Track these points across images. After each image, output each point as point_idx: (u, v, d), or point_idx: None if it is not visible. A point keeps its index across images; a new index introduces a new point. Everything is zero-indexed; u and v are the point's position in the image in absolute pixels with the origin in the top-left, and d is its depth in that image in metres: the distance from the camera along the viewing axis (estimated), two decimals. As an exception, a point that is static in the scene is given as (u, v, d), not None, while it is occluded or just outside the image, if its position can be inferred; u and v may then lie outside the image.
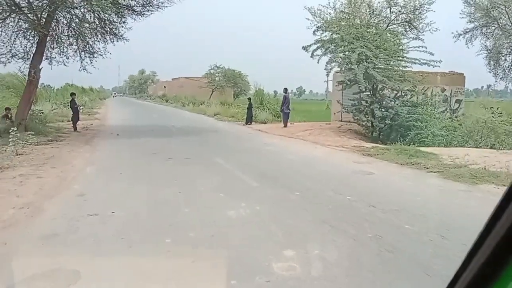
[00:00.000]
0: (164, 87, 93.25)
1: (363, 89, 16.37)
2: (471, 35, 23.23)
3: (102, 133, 16.39)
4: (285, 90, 19.59)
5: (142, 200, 6.06)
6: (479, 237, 0.73)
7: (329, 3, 18.00)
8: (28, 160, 9.30)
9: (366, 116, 16.53)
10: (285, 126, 19.23)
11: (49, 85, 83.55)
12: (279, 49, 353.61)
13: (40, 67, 14.27)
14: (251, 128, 20.72)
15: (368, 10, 19.16)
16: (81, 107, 16.87)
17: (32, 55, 14.31)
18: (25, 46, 14.39)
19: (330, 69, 16.97)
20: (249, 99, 23.91)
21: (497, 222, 0.68)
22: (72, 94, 16.73)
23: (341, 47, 15.79)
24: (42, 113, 17.57)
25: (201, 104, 45.78)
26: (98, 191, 6.59)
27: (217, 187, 6.93)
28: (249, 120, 22.88)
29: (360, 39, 16.21)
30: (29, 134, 13.00)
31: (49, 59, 15.33)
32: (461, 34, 23.18)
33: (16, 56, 14.09)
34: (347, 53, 15.61)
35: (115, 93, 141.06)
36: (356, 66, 15.52)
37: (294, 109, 26.93)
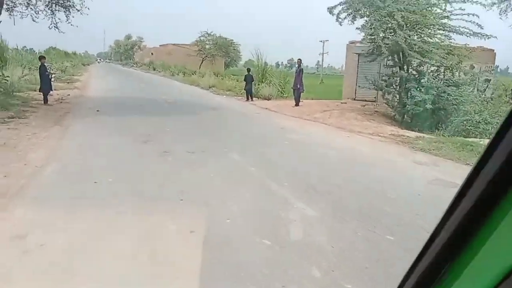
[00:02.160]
0: (152, 54, 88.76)
1: (397, 63, 13.71)
2: (506, 5, 20.42)
3: (79, 107, 13.45)
4: (299, 62, 16.64)
5: (126, 256, 3.41)
6: (434, 231, 0.73)
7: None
8: (-38, 151, 6.51)
9: (398, 96, 13.94)
10: (297, 104, 16.52)
11: (32, 48, 78.55)
12: (268, 17, 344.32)
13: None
14: (255, 105, 17.96)
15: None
16: (53, 75, 13.81)
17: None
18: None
19: (364, 36, 14.15)
20: (248, 70, 20.98)
21: (451, 214, 0.68)
22: (41, 57, 13.55)
23: (375, 10, 12.96)
24: (6, 80, 14.47)
25: (193, 74, 42.40)
26: (53, 227, 3.89)
27: (251, 219, 4.30)
28: (250, 94, 20.08)
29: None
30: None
31: (10, 10, 12.18)
32: (495, 3, 20.33)
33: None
34: (384, 17, 12.80)
35: (100, 59, 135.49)
36: (390, 34, 12.82)
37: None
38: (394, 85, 14.08)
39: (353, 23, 14.95)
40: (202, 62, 67.70)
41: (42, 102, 13.28)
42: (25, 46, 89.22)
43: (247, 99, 19.96)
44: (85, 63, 78.13)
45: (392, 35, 13.24)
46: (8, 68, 18.57)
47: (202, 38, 71.67)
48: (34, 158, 6.32)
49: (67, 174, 5.65)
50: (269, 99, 20.90)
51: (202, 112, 13.85)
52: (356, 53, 20.78)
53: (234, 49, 76.68)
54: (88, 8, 13.63)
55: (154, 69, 64.79)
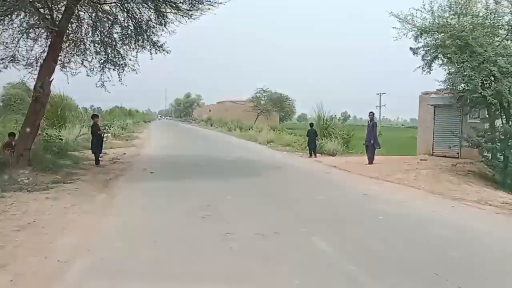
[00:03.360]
0: (209, 110, 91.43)
1: (496, 116, 11.42)
2: None
3: (132, 168, 12.38)
4: (372, 115, 14.73)
5: None
6: None
7: (424, 5, 13.17)
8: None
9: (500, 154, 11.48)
10: (370, 162, 14.41)
11: (99, 107, 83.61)
12: (320, 69, 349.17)
13: (51, 79, 10.58)
14: (320, 162, 16.09)
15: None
16: (106, 135, 12.97)
17: (41, 62, 10.69)
18: (29, 48, 10.80)
19: (451, 84, 12.15)
20: (312, 124, 19.33)
21: None
22: (94, 116, 12.91)
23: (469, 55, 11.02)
24: (61, 139, 13.92)
25: (249, 129, 41.78)
26: None
27: None
28: (313, 151, 18.31)
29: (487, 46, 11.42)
30: (23, 172, 9.31)
31: (65, 67, 11.69)
32: None
33: (19, 62, 10.53)
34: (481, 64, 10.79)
35: (160, 116, 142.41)
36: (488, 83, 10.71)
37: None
38: (495, 141, 11.67)
39: (429, 73, 13.10)
40: (257, 117, 68.07)
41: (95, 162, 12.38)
42: (92, 105, 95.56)
43: (310, 155, 18.21)
44: (146, 120, 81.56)
45: (492, 84, 11.13)
46: (67, 127, 18.49)
47: (257, 94, 72.96)
48: (60, 246, 4.84)
49: (98, 276, 4.04)
50: (334, 155, 19.00)
51: (265, 173, 12.18)
52: (432, 105, 18.53)
53: (288, 103, 77.08)
54: (139, 65, 12.82)
55: (212, 125, 65.81)
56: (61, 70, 12.00)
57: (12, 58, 10.43)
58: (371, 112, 14.55)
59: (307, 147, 18.69)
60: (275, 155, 18.93)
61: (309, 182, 11.04)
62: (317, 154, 18.29)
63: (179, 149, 20.09)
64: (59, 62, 11.38)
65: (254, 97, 72.80)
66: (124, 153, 16.60)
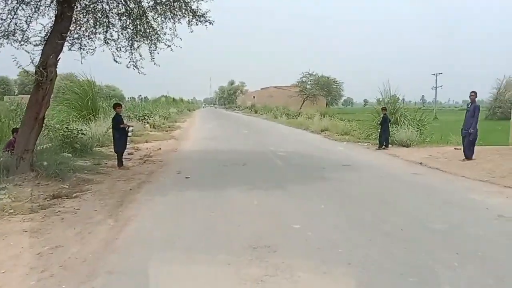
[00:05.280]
0: (253, 97, 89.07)
1: None
2: None
3: (164, 170, 9.85)
4: (474, 95, 11.04)
5: None
6: None
7: None
8: None
9: None
10: (469, 158, 10.97)
11: (146, 97, 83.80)
12: (366, 48, 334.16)
13: (58, 58, 8.17)
14: (397, 157, 12.85)
15: None
16: (131, 128, 10.46)
17: (45, 40, 8.30)
18: (29, 19, 8.39)
19: None
20: (384, 109, 15.95)
21: None
22: (116, 105, 10.33)
23: None
24: (83, 134, 11.70)
25: (297, 115, 38.54)
26: None
27: None
28: (385, 141, 15.05)
29: None
30: (21, 181, 7.07)
31: (82, 46, 9.28)
32: None
33: (14, 36, 8.17)
34: None
35: (205, 104, 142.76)
36: None
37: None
38: None
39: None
40: (303, 103, 64.84)
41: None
42: (140, 95, 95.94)
43: (380, 146, 14.96)
44: (190, 109, 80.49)
45: None
46: (99, 118, 16.42)
47: (303, 78, 69.51)
48: None
49: None
50: (408, 145, 15.55)
51: (333, 175, 9.18)
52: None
53: (336, 87, 72.82)
54: (181, 47, 10.25)
55: (256, 112, 63.33)
56: (78, 50, 9.60)
57: (5, 32, 8.06)
58: (473, 91, 10.94)
59: (378, 138, 15.43)
60: (335, 147, 15.81)
61: (400, 191, 7.91)
62: (389, 145, 15.07)
63: (222, 141, 17.47)
64: (74, 39, 9.02)
65: (300, 81, 69.31)
66: (160, 148, 14.23)
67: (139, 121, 23.23)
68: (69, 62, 10.05)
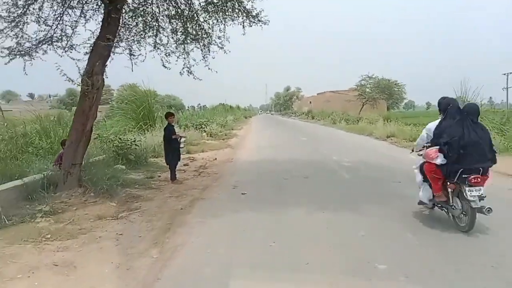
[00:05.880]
0: (310, 102, 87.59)
1: None
2: None
3: (219, 184, 9.04)
4: None
5: None
6: None
7: None
8: None
9: None
10: None
11: (205, 105, 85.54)
12: (425, 49, 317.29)
13: (105, 65, 7.69)
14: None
15: None
16: (184, 138, 9.75)
17: (91, 47, 7.84)
18: (74, 24, 8.01)
19: None
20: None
21: None
22: (168, 114, 9.67)
23: None
24: (137, 145, 11.29)
25: (357, 120, 36.55)
26: None
27: None
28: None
29: None
30: (68, 197, 6.59)
31: (132, 53, 8.80)
32: None
33: (59, 43, 7.81)
34: None
35: (261, 111, 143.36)
36: None
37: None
38: None
39: None
40: (362, 107, 62.08)
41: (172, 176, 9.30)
42: (199, 104, 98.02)
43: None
44: (247, 116, 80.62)
45: None
46: (155, 128, 16.17)
47: (362, 82, 66.67)
48: None
49: None
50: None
51: (411, 191, 7.78)
52: None
53: (397, 90, 69.00)
54: (230, 51, 9.50)
55: (313, 118, 61.87)
56: (128, 56, 9.16)
57: (49, 39, 7.72)
58: None
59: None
60: (406, 156, 14.11)
61: (502, 214, 6.38)
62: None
63: (280, 149, 16.48)
64: (122, 45, 8.56)
65: (359, 85, 66.51)
66: (215, 159, 13.55)
67: (196, 129, 22.95)
68: (130, 72, 9.69)
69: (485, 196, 5.13)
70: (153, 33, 9.24)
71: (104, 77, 7.66)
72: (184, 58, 9.23)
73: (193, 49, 9.33)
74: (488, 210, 4.96)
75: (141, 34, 9.23)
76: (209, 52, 9.52)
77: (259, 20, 9.23)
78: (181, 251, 4.66)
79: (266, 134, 27.88)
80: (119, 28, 8.08)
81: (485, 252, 4.55)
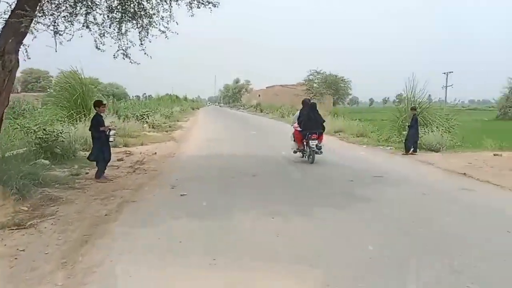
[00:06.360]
0: (259, 95, 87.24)
1: None
2: None
3: (156, 183, 8.01)
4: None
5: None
6: None
7: None
8: None
9: None
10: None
11: (150, 95, 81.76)
12: (377, 49, 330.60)
13: (20, 44, 6.39)
14: (431, 165, 10.98)
15: None
16: (113, 131, 8.51)
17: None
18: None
19: None
20: (414, 109, 14.03)
21: None
22: (97, 103, 8.41)
23: None
24: (64, 137, 9.93)
25: (305, 115, 36.48)
26: None
27: None
28: (413, 145, 13.25)
29: None
30: None
31: (58, 31, 7.48)
32: None
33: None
34: None
35: (209, 103, 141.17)
36: None
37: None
38: None
39: None
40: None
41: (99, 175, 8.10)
42: (145, 93, 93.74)
43: (407, 151, 13.13)
44: (194, 107, 78.62)
45: None
46: (89, 118, 14.59)
47: (310, 76, 67.34)
48: None
49: None
50: (437, 150, 13.69)
51: (365, 191, 7.30)
52: None
53: (343, 85, 70.55)
54: (177, 33, 8.42)
55: (261, 111, 61.57)
56: (53, 34, 7.79)
57: None
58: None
59: (404, 142, 13.60)
60: (356, 152, 13.89)
61: (457, 216, 6.01)
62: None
63: (227, 143, 15.64)
64: (48, 23, 7.22)
65: (307, 79, 67.08)
66: (155, 153, 12.39)
67: (137, 120, 21.40)
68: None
69: (321, 146, 10.69)
70: (85, 10, 7.92)
71: (25, 58, 6.36)
72: (119, 39, 8.04)
73: (129, 29, 8.15)
74: (319, 151, 10.63)
75: (70, 10, 7.88)
76: (147, 35, 8.41)
77: (208, 2, 8.24)
78: (95, 274, 3.67)
79: (213, 125, 26.88)
80: (41, 1, 6.75)
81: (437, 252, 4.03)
